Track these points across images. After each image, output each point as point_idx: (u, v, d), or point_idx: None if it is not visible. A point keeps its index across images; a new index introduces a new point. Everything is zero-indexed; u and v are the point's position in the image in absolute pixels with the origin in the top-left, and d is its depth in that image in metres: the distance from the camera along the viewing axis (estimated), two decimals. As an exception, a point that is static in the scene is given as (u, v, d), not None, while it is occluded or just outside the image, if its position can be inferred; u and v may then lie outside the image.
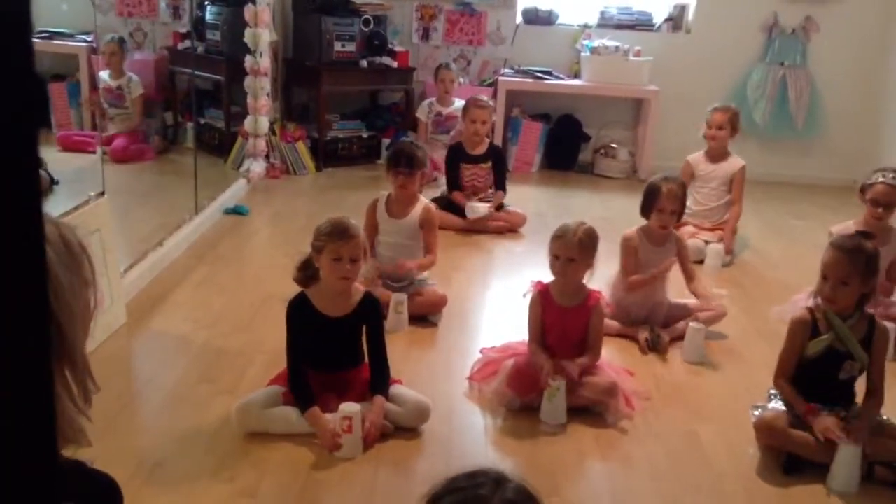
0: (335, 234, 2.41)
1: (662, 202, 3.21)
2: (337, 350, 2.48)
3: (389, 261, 3.38)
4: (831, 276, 2.39)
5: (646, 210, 3.28)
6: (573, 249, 2.62)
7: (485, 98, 4.79)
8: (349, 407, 2.29)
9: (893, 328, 3.00)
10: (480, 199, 4.58)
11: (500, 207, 4.62)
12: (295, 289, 2.54)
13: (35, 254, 0.51)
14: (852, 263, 2.38)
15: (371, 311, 2.51)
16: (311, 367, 2.44)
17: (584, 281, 2.71)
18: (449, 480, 1.19)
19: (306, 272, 2.49)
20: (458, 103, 5.23)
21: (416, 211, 3.39)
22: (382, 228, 3.41)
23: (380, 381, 2.46)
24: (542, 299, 2.70)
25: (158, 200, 4.62)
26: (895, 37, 5.98)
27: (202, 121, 5.59)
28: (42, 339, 0.52)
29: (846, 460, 2.29)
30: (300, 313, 2.45)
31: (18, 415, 0.53)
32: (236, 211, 4.58)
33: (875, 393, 2.43)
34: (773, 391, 2.58)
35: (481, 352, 2.87)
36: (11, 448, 0.52)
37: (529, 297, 2.74)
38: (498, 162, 4.68)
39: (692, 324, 3.09)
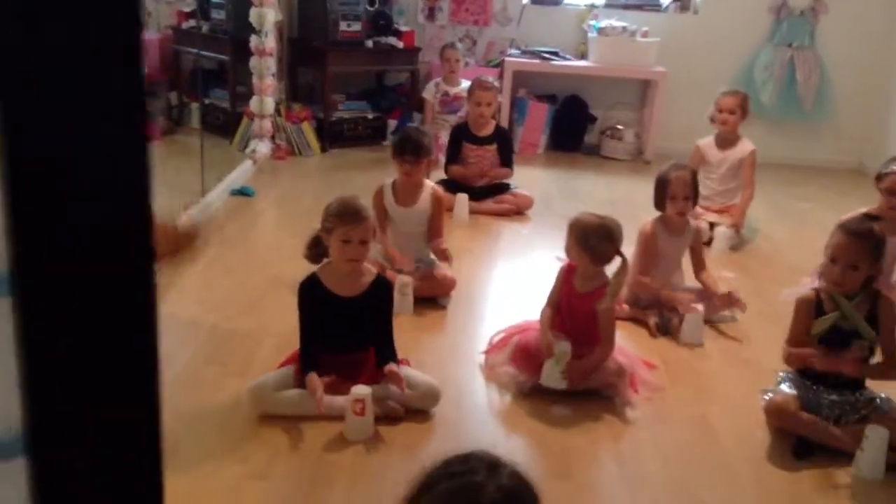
0: (345, 217, 2.41)
1: (674, 190, 3.19)
2: (348, 330, 2.48)
3: (403, 250, 3.36)
4: (840, 259, 2.38)
5: (659, 201, 3.26)
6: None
7: (490, 79, 4.75)
8: (360, 389, 2.29)
9: None
10: (488, 184, 4.54)
11: (505, 189, 4.60)
12: (302, 270, 2.54)
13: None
14: (863, 247, 2.38)
15: (382, 293, 2.51)
16: (323, 348, 2.45)
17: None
18: (442, 465, 1.18)
19: (316, 250, 2.50)
20: (466, 84, 5.19)
21: (425, 198, 3.37)
22: (392, 217, 3.40)
23: (387, 355, 2.46)
24: (565, 277, 2.73)
25: (164, 182, 4.60)
26: (905, 18, 5.93)
27: (207, 101, 5.56)
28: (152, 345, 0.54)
29: (873, 443, 2.29)
30: (312, 293, 2.45)
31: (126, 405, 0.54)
32: (242, 192, 4.57)
33: (890, 363, 2.42)
34: (782, 374, 2.58)
35: (503, 330, 2.89)
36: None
37: (559, 265, 2.77)
38: (504, 143, 4.65)
39: (692, 309, 3.10)
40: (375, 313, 2.49)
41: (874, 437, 2.28)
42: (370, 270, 2.53)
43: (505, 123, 5.76)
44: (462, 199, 4.32)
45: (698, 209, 4.19)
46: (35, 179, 0.50)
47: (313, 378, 2.36)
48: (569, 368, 2.52)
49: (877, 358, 2.47)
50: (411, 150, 3.31)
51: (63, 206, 0.50)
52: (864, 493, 2.24)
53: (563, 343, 2.53)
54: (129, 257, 0.52)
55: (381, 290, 2.50)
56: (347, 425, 2.29)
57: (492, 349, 2.80)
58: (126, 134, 0.52)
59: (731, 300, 3.22)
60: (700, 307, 3.11)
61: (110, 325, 0.53)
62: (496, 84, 4.71)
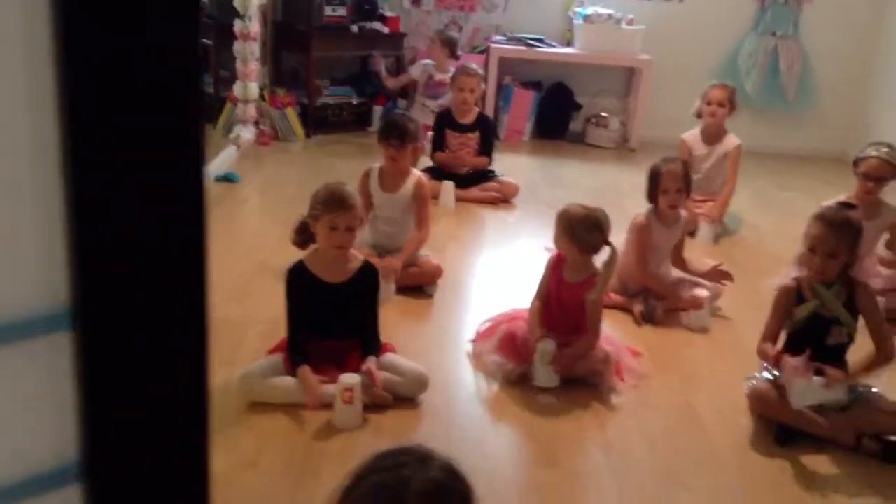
0: (332, 204, 2.41)
1: (666, 183, 3.21)
2: (335, 316, 2.48)
3: (380, 233, 3.37)
4: (819, 249, 2.41)
5: (652, 194, 3.27)
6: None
7: (474, 66, 4.75)
8: (349, 378, 2.30)
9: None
10: (469, 173, 4.54)
11: (491, 177, 4.60)
12: (288, 257, 2.54)
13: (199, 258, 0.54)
14: (840, 237, 2.41)
15: (369, 279, 2.51)
16: (311, 335, 2.45)
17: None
18: (374, 459, 1.18)
19: (303, 235, 2.51)
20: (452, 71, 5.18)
21: (409, 185, 3.37)
22: (376, 202, 3.39)
23: (371, 346, 2.48)
24: (554, 266, 2.74)
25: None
26: (887, 8, 5.98)
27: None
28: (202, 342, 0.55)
29: (802, 385, 2.34)
30: (299, 280, 2.45)
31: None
32: (227, 178, 4.54)
33: (881, 347, 2.45)
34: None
35: (491, 319, 2.90)
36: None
37: (548, 256, 2.78)
38: (486, 132, 4.64)
39: (698, 292, 3.18)
40: (362, 300, 2.49)
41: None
42: (357, 257, 2.53)
43: (490, 110, 5.76)
44: (448, 186, 4.32)
45: (695, 201, 4.22)
46: (98, 213, 0.51)
47: (307, 373, 2.36)
48: (555, 360, 2.54)
49: (857, 346, 2.50)
50: (397, 135, 3.31)
51: (125, 240, 0.52)
52: (844, 480, 2.28)
53: (547, 342, 2.55)
54: (185, 287, 0.54)
55: (368, 276, 2.51)
56: (336, 413, 2.30)
57: (479, 338, 2.81)
58: (186, 169, 0.53)
59: (719, 274, 3.28)
60: (705, 293, 3.16)
61: (164, 349, 0.55)
62: (480, 71, 4.70)
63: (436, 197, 4.13)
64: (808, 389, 2.32)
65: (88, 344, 0.52)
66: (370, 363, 2.40)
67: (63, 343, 0.53)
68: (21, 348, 0.52)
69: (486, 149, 4.62)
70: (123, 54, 0.49)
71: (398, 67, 5.92)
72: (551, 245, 2.75)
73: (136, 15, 0.49)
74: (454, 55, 5.44)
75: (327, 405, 2.33)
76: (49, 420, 0.54)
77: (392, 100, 5.87)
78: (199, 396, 0.56)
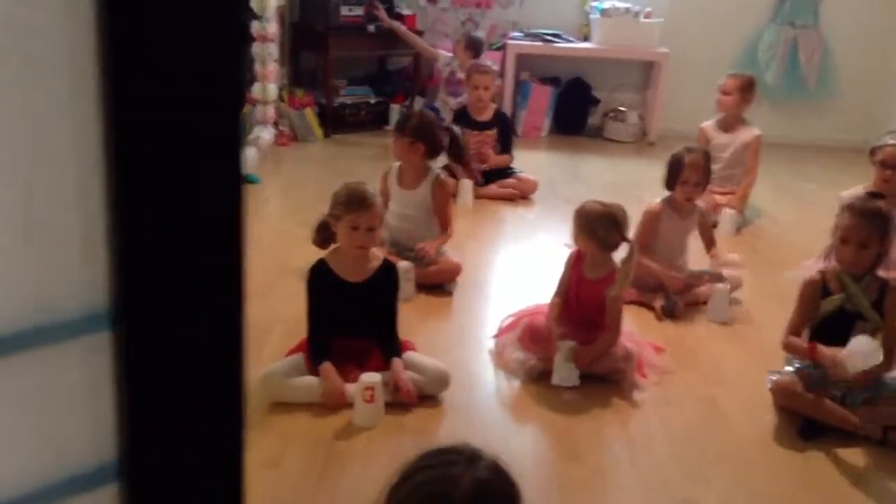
0: (353, 204, 2.42)
1: (686, 174, 3.19)
2: (356, 315, 2.49)
3: (398, 230, 3.38)
4: (852, 239, 2.39)
5: (671, 182, 3.25)
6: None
7: (487, 63, 4.73)
8: (370, 377, 2.31)
9: None
10: (486, 170, 4.54)
11: (509, 173, 4.59)
12: (309, 257, 2.55)
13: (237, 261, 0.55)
14: (872, 226, 2.40)
15: (388, 278, 2.52)
16: (332, 334, 2.46)
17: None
18: (421, 457, 1.18)
19: (323, 234, 2.53)
20: None
21: (427, 183, 3.37)
22: (393, 198, 3.41)
23: (392, 346, 2.49)
24: (575, 264, 2.74)
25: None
26: (909, -5, 5.89)
27: (209, 88, 5.54)
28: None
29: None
30: (320, 279, 2.46)
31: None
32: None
33: (890, 354, 2.43)
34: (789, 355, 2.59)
35: (514, 314, 2.90)
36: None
37: (567, 252, 2.78)
38: (504, 128, 4.64)
39: (717, 285, 3.15)
40: (382, 298, 2.51)
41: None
42: (377, 255, 2.54)
43: (508, 107, 5.75)
44: (466, 184, 4.32)
45: (714, 192, 4.20)
46: (142, 214, 0.52)
47: (329, 370, 2.38)
48: (575, 357, 2.54)
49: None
50: (398, 126, 3.39)
51: (164, 242, 0.52)
52: (871, 473, 2.26)
53: (567, 343, 2.55)
54: (222, 288, 0.55)
55: (388, 274, 2.52)
56: (357, 412, 2.31)
57: (502, 332, 2.81)
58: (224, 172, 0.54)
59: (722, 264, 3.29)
60: (725, 283, 3.15)
61: (201, 350, 0.56)
62: (494, 67, 4.68)
63: (454, 195, 4.13)
64: (870, 349, 2.30)
65: (127, 344, 0.53)
66: (397, 367, 2.41)
67: (103, 343, 0.54)
68: (62, 348, 0.53)
69: (505, 146, 4.62)
70: (166, 54, 0.49)
71: (416, 67, 5.92)
72: (570, 242, 2.75)
73: (177, 14, 0.49)
74: (478, 57, 5.41)
75: (348, 404, 2.34)
76: (89, 419, 0.55)
77: (409, 98, 5.88)
78: (235, 397, 0.57)
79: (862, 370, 2.31)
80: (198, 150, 0.52)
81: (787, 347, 2.52)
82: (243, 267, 0.55)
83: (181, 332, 0.54)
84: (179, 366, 0.55)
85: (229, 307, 0.55)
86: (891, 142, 3.37)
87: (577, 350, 2.55)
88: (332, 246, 2.53)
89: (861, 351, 2.29)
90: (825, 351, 2.38)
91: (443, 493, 1.12)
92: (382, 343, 2.50)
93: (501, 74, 5.79)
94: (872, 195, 2.56)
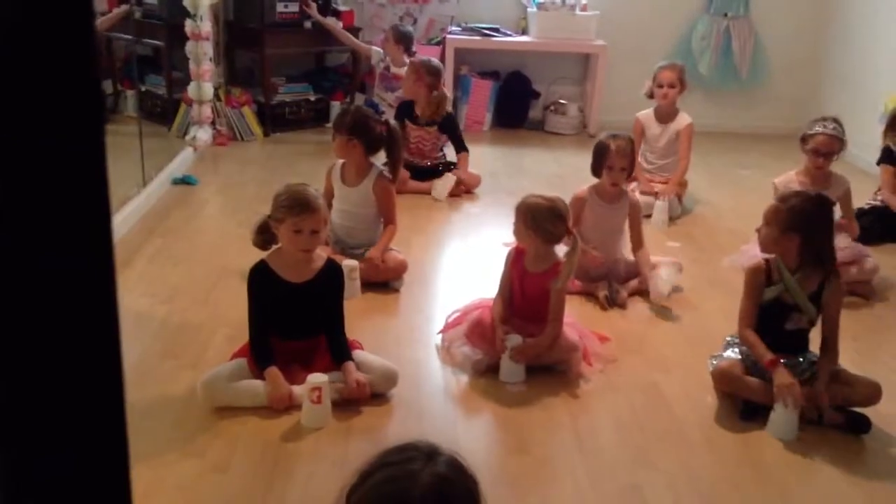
0: (295, 208, 2.38)
1: (612, 159, 3.24)
2: (300, 316, 2.47)
3: (342, 228, 3.36)
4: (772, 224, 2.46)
5: (596, 168, 3.31)
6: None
7: (435, 62, 4.72)
8: (317, 378, 2.29)
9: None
10: (430, 164, 4.55)
11: (453, 168, 4.60)
12: (250, 258, 2.51)
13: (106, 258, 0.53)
14: (791, 215, 2.46)
15: (333, 278, 2.50)
16: (276, 336, 2.43)
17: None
18: (380, 455, 1.18)
19: (264, 236, 2.48)
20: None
21: (369, 179, 3.35)
22: (337, 195, 3.38)
23: (342, 348, 2.47)
24: (515, 259, 2.74)
25: (103, 173, 4.48)
26: (834, -15, 6.08)
27: (143, 88, 5.42)
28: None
29: (782, 417, 2.37)
30: (261, 280, 2.42)
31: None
32: (185, 181, 4.48)
33: (829, 349, 2.48)
34: (729, 339, 2.65)
35: (458, 310, 2.90)
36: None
37: (506, 251, 2.78)
38: (448, 125, 4.64)
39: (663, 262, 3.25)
40: (327, 298, 2.48)
41: (781, 413, 2.37)
42: (320, 255, 2.52)
43: (448, 102, 5.74)
44: (446, 178, 4.40)
45: (651, 181, 4.26)
46: None
47: (275, 374, 2.35)
48: (521, 353, 2.56)
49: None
50: (334, 124, 3.43)
51: (20, 208, 0.50)
52: (808, 451, 2.33)
53: (514, 337, 2.57)
54: (90, 258, 0.52)
55: (332, 274, 2.50)
56: (305, 413, 2.29)
57: (447, 327, 2.81)
58: (82, 130, 0.51)
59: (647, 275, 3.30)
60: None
61: (72, 332, 0.53)
62: (441, 68, 4.67)
63: (399, 192, 4.10)
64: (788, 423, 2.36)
65: None
66: (349, 370, 2.39)
67: None
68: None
69: (458, 144, 4.63)
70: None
71: (354, 63, 5.88)
72: (509, 239, 2.76)
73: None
74: (409, 51, 5.40)
75: (296, 406, 2.32)
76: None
77: (349, 94, 5.84)
78: (112, 380, 0.54)
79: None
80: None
81: (746, 342, 2.52)
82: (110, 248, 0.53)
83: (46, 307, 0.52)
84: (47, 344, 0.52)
85: (100, 282, 0.52)
86: (821, 130, 3.45)
87: (523, 345, 2.57)
88: (274, 247, 2.49)
89: (777, 427, 2.36)
90: (782, 378, 2.37)
91: (402, 489, 1.12)
92: (331, 345, 2.47)
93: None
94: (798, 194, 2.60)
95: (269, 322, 2.43)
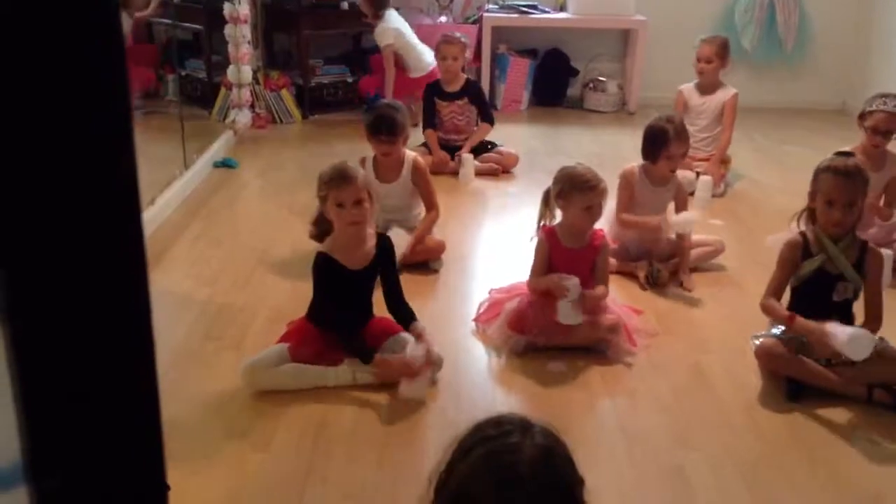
0: (333, 181, 2.42)
1: (672, 148, 3.17)
2: (360, 300, 2.51)
3: (384, 222, 3.34)
4: (838, 200, 2.40)
5: (652, 153, 3.22)
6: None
7: (456, 34, 4.66)
8: (414, 350, 2.34)
9: (891, 255, 3.00)
10: (464, 141, 4.52)
11: (490, 147, 4.58)
12: (291, 240, 2.53)
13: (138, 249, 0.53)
14: (856, 185, 2.42)
15: (387, 254, 2.53)
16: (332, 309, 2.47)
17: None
18: (474, 429, 1.19)
19: (321, 227, 2.53)
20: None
21: (406, 170, 3.34)
22: (375, 193, 3.36)
23: (407, 311, 2.52)
24: (550, 241, 2.71)
25: (145, 157, 4.48)
26: (884, -47, 5.88)
27: (183, 73, 5.47)
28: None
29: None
30: (326, 270, 2.45)
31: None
32: (225, 164, 4.52)
33: (873, 318, 2.45)
34: (773, 319, 2.61)
35: (489, 293, 2.88)
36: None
37: (535, 240, 2.74)
38: (476, 95, 4.60)
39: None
40: (386, 276, 2.53)
41: None
42: (371, 234, 2.53)
43: (486, 81, 5.71)
44: (467, 159, 4.33)
45: (694, 158, 4.19)
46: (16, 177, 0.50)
47: (383, 360, 2.40)
48: (581, 300, 2.55)
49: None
50: (387, 130, 3.22)
51: (48, 208, 0.50)
52: (857, 432, 2.28)
53: (572, 280, 2.55)
54: (123, 260, 0.53)
55: (385, 251, 2.53)
56: (405, 385, 2.33)
57: (481, 317, 2.80)
58: (111, 121, 0.52)
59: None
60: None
61: (107, 327, 0.54)
62: (463, 39, 4.61)
63: (434, 172, 4.09)
64: (868, 342, 2.29)
65: (22, 342, 0.51)
66: (419, 331, 2.45)
67: None
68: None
69: (485, 115, 4.59)
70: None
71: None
72: (534, 233, 2.73)
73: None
74: (381, 8, 5.15)
75: (332, 388, 2.36)
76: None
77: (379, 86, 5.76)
78: (146, 396, 0.55)
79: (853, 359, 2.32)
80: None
81: (766, 309, 2.51)
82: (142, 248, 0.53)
83: (76, 330, 0.52)
84: (78, 363, 0.53)
85: (133, 300, 0.53)
86: (881, 107, 3.33)
87: (583, 294, 2.55)
88: (328, 239, 2.51)
89: (861, 343, 2.28)
90: (806, 324, 2.38)
91: (509, 463, 1.12)
92: (398, 311, 2.52)
93: (478, 48, 5.75)
94: (842, 153, 2.56)
95: (333, 302, 2.47)
